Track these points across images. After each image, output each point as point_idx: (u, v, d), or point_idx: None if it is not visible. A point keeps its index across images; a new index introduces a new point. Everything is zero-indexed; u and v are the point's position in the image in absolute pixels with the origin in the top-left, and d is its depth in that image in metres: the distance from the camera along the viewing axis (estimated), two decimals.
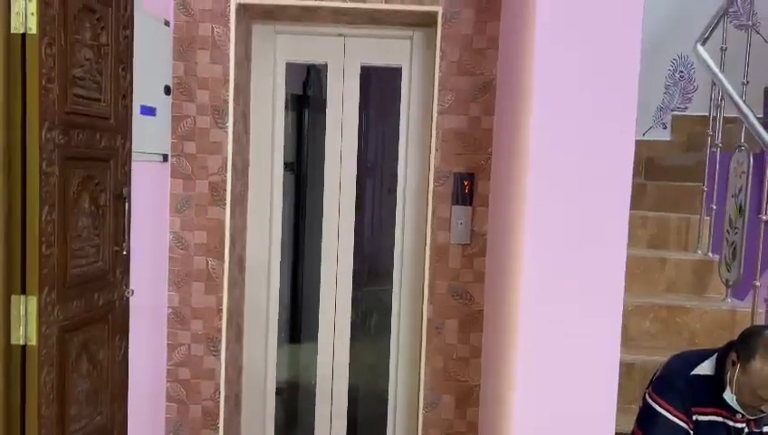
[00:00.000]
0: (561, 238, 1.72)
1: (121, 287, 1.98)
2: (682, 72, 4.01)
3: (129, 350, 2.06)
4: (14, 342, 1.61)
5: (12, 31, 1.55)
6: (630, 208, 3.33)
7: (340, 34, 2.75)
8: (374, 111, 2.99)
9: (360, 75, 2.79)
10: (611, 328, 1.73)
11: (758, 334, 1.71)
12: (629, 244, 3.08)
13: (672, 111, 4.04)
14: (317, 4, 2.45)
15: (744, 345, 1.72)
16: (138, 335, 2.14)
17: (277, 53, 2.76)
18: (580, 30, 1.67)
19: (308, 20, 2.64)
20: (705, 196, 3.06)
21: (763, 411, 1.71)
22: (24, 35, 1.55)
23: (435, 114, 2.50)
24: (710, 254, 2.99)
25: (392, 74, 2.78)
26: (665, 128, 4.05)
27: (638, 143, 3.95)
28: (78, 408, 1.80)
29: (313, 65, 3.07)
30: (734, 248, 2.73)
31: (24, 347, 1.61)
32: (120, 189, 1.93)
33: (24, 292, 1.60)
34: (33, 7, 1.54)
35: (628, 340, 2.69)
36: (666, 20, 3.94)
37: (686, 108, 4.02)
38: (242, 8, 2.50)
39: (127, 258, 2.00)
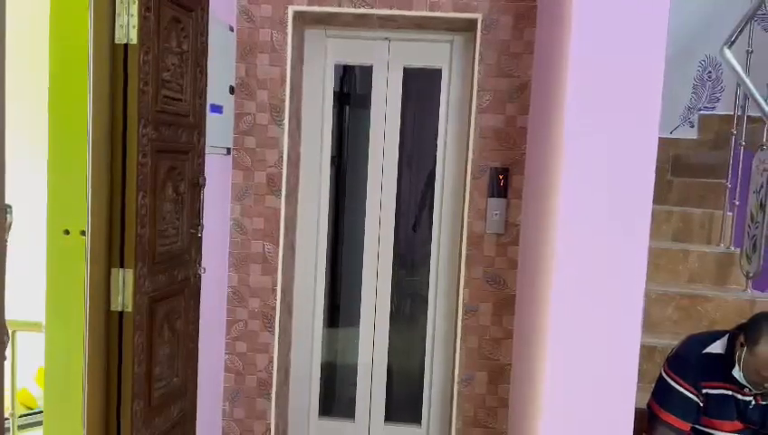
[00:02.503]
0: (589, 229, 1.90)
1: (195, 265, 2.25)
2: (710, 72, 4.14)
3: None
4: (113, 308, 1.88)
5: (116, 41, 1.81)
6: (656, 204, 3.52)
7: (385, 38, 2.97)
8: (415, 109, 3.20)
9: (403, 76, 3.02)
10: (633, 312, 1.91)
11: (764, 320, 1.88)
12: (655, 236, 3.28)
13: (700, 110, 4.16)
14: (367, 11, 2.67)
15: (751, 329, 1.90)
16: (202, 312, 2.39)
17: (327, 55, 2.99)
18: (611, 39, 1.85)
19: (358, 26, 2.87)
20: (728, 192, 3.21)
21: (766, 388, 1.89)
22: (126, 45, 1.81)
23: (473, 113, 2.71)
24: (732, 247, 3.14)
25: (433, 75, 2.99)
26: (692, 126, 4.18)
27: (666, 141, 4.15)
28: (161, 369, 2.06)
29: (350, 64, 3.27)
30: (755, 242, 2.88)
31: (121, 313, 1.88)
32: (197, 179, 2.19)
33: (122, 265, 1.86)
34: (134, 21, 1.79)
35: (650, 325, 2.88)
36: (695, 21, 4.07)
37: (714, 107, 4.13)
38: (298, 15, 2.74)
39: (200, 240, 2.26)
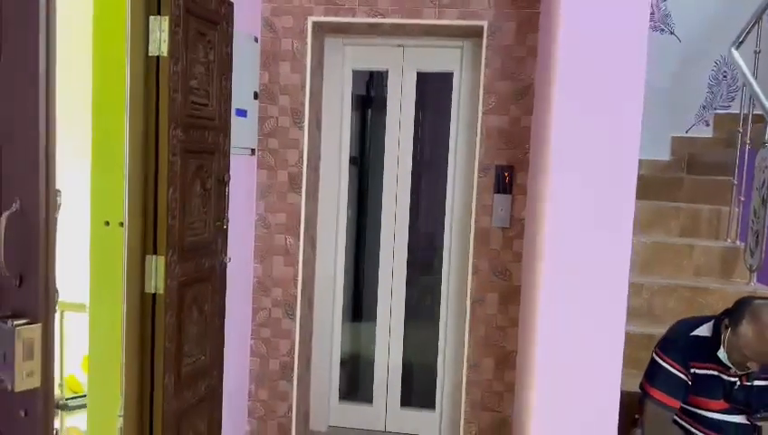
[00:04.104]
0: (575, 223, 2.02)
1: (221, 255, 2.47)
2: (725, 72, 4.21)
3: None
4: (147, 291, 2.11)
5: (149, 54, 2.05)
6: (666, 200, 3.61)
7: (399, 45, 3.16)
8: (428, 111, 3.39)
9: (416, 80, 3.21)
10: (617, 300, 2.01)
11: (747, 303, 2.01)
12: (663, 232, 3.39)
13: (715, 109, 4.24)
14: (381, 21, 2.87)
15: (734, 312, 2.03)
16: (230, 299, 2.61)
17: (345, 61, 3.21)
18: (595, 44, 1.99)
19: (372, 34, 3.07)
20: (734, 189, 3.30)
21: (749, 368, 2.01)
22: (158, 57, 2.04)
23: (480, 114, 2.88)
24: (738, 242, 3.23)
25: (444, 79, 3.17)
26: (707, 125, 4.26)
27: (681, 140, 4.24)
28: (189, 347, 2.29)
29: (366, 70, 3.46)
30: (758, 236, 2.98)
31: (153, 295, 2.11)
32: (222, 176, 2.42)
33: (155, 252, 2.10)
34: (165, 36, 2.03)
35: (653, 317, 3.00)
36: (709, 22, 4.16)
37: (729, 106, 4.20)
38: (317, 25, 2.96)
39: (225, 232, 2.48)
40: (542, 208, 2.30)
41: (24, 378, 0.97)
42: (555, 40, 2.14)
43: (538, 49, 2.79)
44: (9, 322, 0.95)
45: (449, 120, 3.16)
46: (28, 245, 0.98)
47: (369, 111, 3.51)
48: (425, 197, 3.43)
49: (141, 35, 2.04)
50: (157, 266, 2.10)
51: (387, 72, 3.23)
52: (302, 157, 2.99)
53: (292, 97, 2.97)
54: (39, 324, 1.00)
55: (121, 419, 2.09)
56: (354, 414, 3.38)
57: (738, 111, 4.04)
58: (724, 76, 4.23)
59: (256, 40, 2.91)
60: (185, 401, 2.28)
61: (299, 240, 3.02)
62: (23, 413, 1.00)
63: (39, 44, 0.96)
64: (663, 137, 4.16)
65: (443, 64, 3.16)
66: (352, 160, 3.36)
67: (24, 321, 0.97)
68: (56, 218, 1.05)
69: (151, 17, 2.04)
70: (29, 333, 0.97)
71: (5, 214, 0.95)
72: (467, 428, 2.99)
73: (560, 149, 2.04)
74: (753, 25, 3.35)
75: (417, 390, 3.43)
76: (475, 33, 2.93)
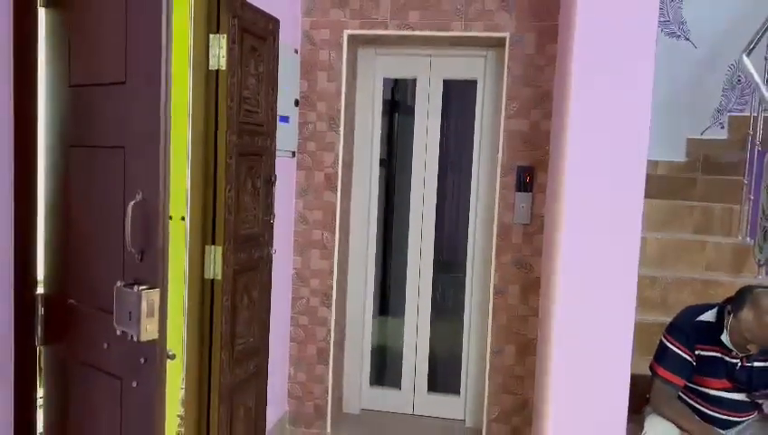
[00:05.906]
0: (589, 220, 2.21)
1: (268, 247, 2.73)
2: (739, 76, 4.37)
3: None
4: (206, 277, 2.38)
5: (209, 68, 2.32)
6: (681, 199, 3.81)
7: (427, 55, 3.41)
8: (453, 116, 3.63)
9: (443, 87, 3.45)
10: (628, 292, 2.16)
11: (748, 291, 2.22)
12: (677, 229, 3.58)
13: (729, 112, 4.41)
14: (410, 33, 3.12)
15: (736, 299, 2.24)
16: (272, 288, 2.86)
17: (377, 70, 3.46)
18: (607, 54, 2.19)
19: (402, 45, 3.32)
20: (745, 188, 3.49)
21: (749, 350, 2.22)
22: (217, 71, 2.31)
23: (502, 118, 3.11)
24: (747, 238, 3.41)
25: (469, 86, 3.41)
26: (722, 127, 4.43)
27: (696, 141, 4.43)
28: (241, 329, 2.55)
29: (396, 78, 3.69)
30: (765, 233, 3.16)
31: (212, 281, 2.38)
32: (269, 176, 2.68)
33: (213, 243, 2.36)
34: (223, 52, 2.30)
35: (666, 307, 3.19)
36: (723, 28, 4.33)
37: (743, 109, 4.37)
38: (352, 38, 3.21)
39: (272, 226, 2.75)
40: (560, 207, 2.52)
41: (147, 331, 1.23)
42: (570, 50, 2.36)
43: (557, 58, 3.01)
44: (135, 287, 1.22)
45: (473, 124, 3.40)
46: (147, 227, 1.23)
47: (398, 115, 3.76)
48: (450, 196, 3.67)
49: (202, 51, 2.31)
50: (215, 256, 2.36)
51: (415, 79, 3.48)
52: (337, 159, 3.25)
53: (328, 104, 3.23)
54: (158, 289, 1.26)
55: (183, 391, 2.37)
56: (384, 398, 3.63)
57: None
58: (738, 81, 4.39)
59: (296, 51, 3.17)
60: (237, 377, 2.54)
61: (334, 235, 3.28)
62: (143, 360, 1.26)
63: (161, 71, 1.22)
64: (679, 139, 4.34)
65: (468, 72, 3.40)
66: (382, 162, 3.61)
67: (146, 286, 1.23)
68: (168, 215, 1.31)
69: (211, 35, 2.31)
70: (151, 295, 1.23)
71: (131, 203, 1.22)
72: (491, 410, 3.22)
73: (574, 152, 2.26)
74: (764, 33, 3.53)
75: (443, 376, 3.66)
76: (498, 44, 3.16)
